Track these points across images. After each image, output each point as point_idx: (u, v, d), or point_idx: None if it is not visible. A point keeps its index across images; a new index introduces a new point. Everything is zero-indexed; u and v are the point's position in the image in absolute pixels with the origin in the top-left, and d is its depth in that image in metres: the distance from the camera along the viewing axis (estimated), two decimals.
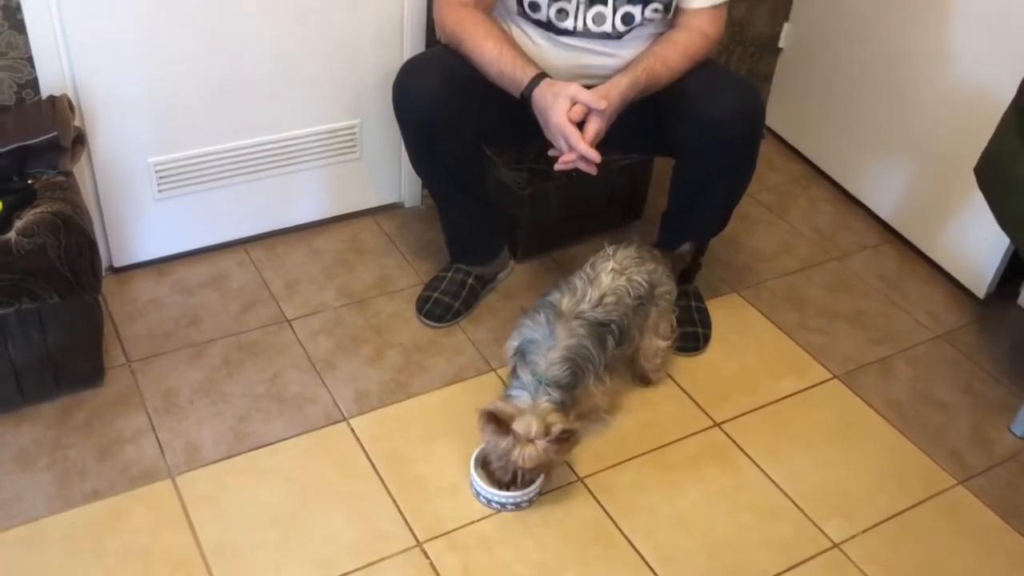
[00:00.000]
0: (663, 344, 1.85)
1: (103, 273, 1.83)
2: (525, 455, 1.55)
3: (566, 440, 1.57)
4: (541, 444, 1.54)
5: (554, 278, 2.16)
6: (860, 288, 2.25)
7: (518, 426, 1.55)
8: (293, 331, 1.97)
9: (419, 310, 2.03)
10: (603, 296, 1.68)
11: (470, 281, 2.06)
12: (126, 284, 2.05)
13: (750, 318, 2.12)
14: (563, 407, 1.60)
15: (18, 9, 1.70)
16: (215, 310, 2.00)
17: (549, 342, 1.62)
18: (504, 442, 1.56)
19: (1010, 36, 2.03)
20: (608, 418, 1.83)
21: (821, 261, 2.32)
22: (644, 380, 1.91)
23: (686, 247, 1.95)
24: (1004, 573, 1.63)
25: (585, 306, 1.66)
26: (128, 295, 2.02)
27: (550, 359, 1.60)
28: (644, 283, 1.73)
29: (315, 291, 2.08)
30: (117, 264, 2.06)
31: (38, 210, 1.62)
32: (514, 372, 1.67)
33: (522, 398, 1.60)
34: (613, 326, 1.68)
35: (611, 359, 1.69)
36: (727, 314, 2.11)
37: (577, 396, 1.65)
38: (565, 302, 1.66)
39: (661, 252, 1.85)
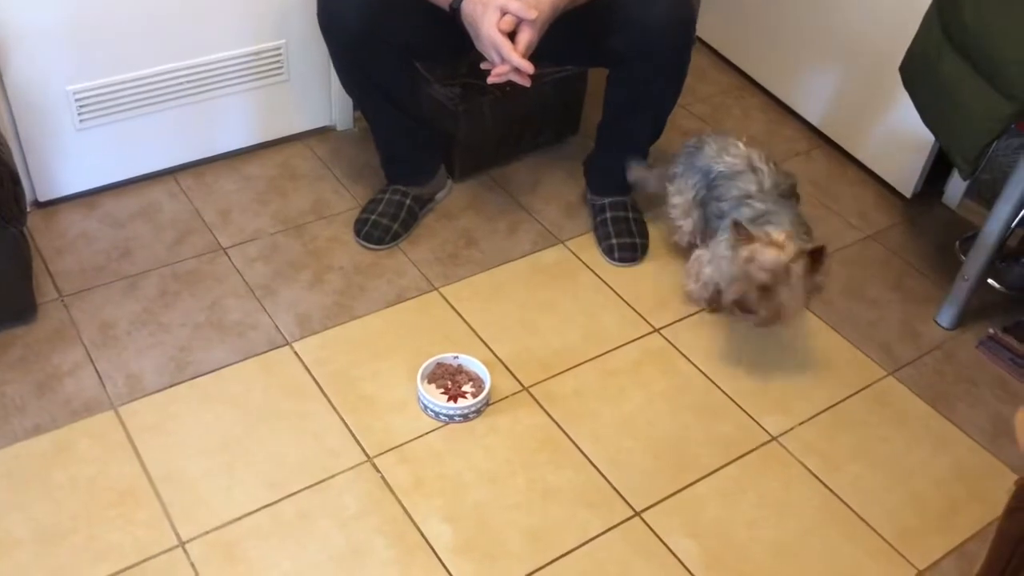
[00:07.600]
0: None
1: (27, 207, 1.77)
2: (766, 254, 1.62)
3: (818, 258, 1.64)
4: (791, 248, 1.62)
5: (493, 197, 2.16)
6: None
7: (771, 231, 1.65)
8: (229, 259, 1.94)
9: (357, 233, 2.02)
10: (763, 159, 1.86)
11: (408, 202, 2.04)
12: (52, 218, 1.99)
13: None
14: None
15: None
16: (147, 241, 1.96)
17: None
18: (746, 250, 1.64)
19: None
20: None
21: None
22: None
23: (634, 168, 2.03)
24: (930, 453, 1.72)
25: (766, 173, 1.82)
26: (55, 229, 1.96)
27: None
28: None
29: (249, 218, 2.05)
30: (42, 198, 1.99)
31: None
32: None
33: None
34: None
35: None
36: (664, 225, 2.13)
37: None
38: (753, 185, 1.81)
39: None
